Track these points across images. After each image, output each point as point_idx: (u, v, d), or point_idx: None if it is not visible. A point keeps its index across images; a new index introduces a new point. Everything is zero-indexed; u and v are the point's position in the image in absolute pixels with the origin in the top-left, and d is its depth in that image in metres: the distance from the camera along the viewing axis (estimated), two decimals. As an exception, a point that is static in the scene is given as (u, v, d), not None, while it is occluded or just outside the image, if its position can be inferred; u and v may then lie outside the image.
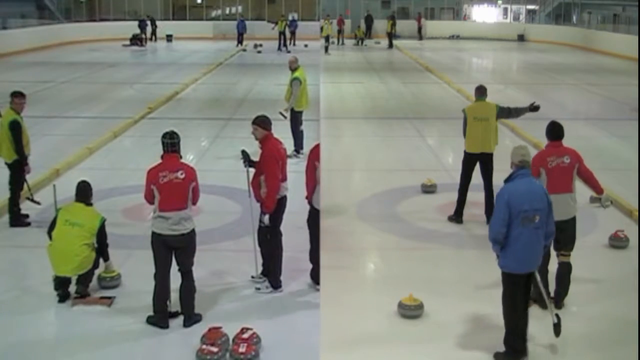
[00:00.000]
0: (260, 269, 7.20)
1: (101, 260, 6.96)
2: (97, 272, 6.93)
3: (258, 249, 7.22)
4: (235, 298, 6.86)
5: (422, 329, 6.24)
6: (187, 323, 6.26)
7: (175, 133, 6.33)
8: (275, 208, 6.90)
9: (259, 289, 6.99)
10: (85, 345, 6.01)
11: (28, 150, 8.85)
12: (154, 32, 37.19)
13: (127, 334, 6.17)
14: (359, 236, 8.66)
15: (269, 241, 7.05)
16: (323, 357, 5.68)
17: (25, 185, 8.96)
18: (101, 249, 6.88)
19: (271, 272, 7.03)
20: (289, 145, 11.49)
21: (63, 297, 6.68)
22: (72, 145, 12.72)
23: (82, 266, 6.65)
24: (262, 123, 6.91)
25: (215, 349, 5.63)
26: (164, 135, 6.28)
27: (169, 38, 37.83)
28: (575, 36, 36.95)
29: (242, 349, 5.61)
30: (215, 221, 8.80)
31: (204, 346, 5.67)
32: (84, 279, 6.74)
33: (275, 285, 6.99)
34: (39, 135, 14.11)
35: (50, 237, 6.77)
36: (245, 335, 5.76)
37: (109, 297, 6.74)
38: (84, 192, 6.93)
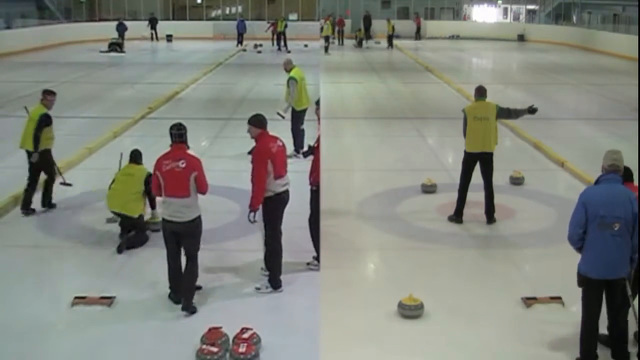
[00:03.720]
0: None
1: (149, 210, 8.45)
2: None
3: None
4: (235, 298, 6.85)
5: (422, 329, 6.23)
6: (184, 306, 6.48)
7: (182, 125, 6.69)
8: (272, 205, 6.91)
9: (258, 288, 6.98)
10: (85, 345, 6.01)
11: (52, 144, 9.45)
12: (154, 31, 37.14)
13: (127, 333, 6.17)
14: (359, 236, 8.66)
15: (268, 241, 7.04)
16: (323, 357, 5.68)
17: (56, 170, 9.63)
18: (149, 195, 8.30)
19: (271, 272, 7.03)
20: (289, 145, 11.58)
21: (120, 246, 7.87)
22: (72, 145, 12.69)
23: (128, 207, 8.10)
24: (256, 122, 6.99)
25: (215, 349, 5.62)
26: (172, 127, 6.65)
27: (169, 38, 37.77)
28: (575, 36, 36.96)
29: (242, 349, 5.61)
30: (215, 221, 8.78)
31: (204, 346, 5.67)
32: (128, 226, 8.11)
33: (275, 285, 6.97)
34: (39, 135, 14.13)
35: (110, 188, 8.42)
36: (245, 335, 5.76)
37: (109, 297, 6.74)
38: (135, 156, 8.60)
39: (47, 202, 9.42)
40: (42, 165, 9.26)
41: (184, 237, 6.57)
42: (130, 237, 8.07)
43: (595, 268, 5.41)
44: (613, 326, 5.61)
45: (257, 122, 6.97)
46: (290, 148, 11.52)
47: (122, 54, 30.85)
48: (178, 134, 6.58)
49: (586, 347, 5.53)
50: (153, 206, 8.47)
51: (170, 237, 6.60)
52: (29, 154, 9.22)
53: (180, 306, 6.49)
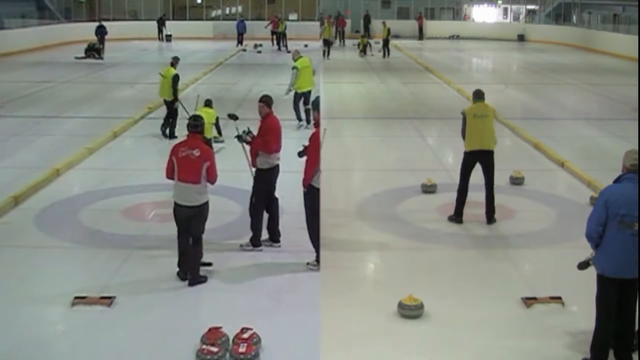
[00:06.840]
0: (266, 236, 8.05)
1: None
2: None
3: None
4: (235, 298, 6.85)
5: (422, 329, 6.23)
6: (192, 282, 7.00)
7: (200, 116, 7.47)
8: (266, 176, 7.89)
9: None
10: (85, 345, 6.01)
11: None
12: (160, 32, 37.17)
13: (127, 333, 6.16)
14: (359, 236, 8.66)
15: (255, 205, 7.94)
16: (323, 357, 5.68)
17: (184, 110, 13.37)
18: (217, 128, 12.14)
19: (252, 232, 7.87)
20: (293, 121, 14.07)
21: None
22: (72, 145, 12.70)
23: (206, 132, 9.06)
24: (268, 101, 8.08)
25: (215, 349, 5.63)
26: (189, 118, 7.41)
27: (168, 38, 37.72)
28: (575, 36, 36.96)
29: (242, 349, 5.61)
30: (215, 221, 8.76)
31: (204, 346, 5.67)
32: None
33: (255, 244, 7.87)
34: (39, 135, 14.13)
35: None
36: (245, 335, 5.76)
37: (109, 297, 6.74)
38: (209, 103, 11.83)
39: (171, 134, 13.36)
40: (174, 108, 13.55)
41: (193, 219, 7.09)
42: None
43: (611, 266, 5.40)
44: (620, 326, 5.54)
45: (269, 102, 8.07)
46: (294, 123, 14.31)
47: (100, 61, 27.86)
48: (194, 124, 7.22)
49: (598, 349, 5.47)
50: (220, 133, 12.37)
51: (181, 218, 7.13)
52: (166, 102, 13.68)
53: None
